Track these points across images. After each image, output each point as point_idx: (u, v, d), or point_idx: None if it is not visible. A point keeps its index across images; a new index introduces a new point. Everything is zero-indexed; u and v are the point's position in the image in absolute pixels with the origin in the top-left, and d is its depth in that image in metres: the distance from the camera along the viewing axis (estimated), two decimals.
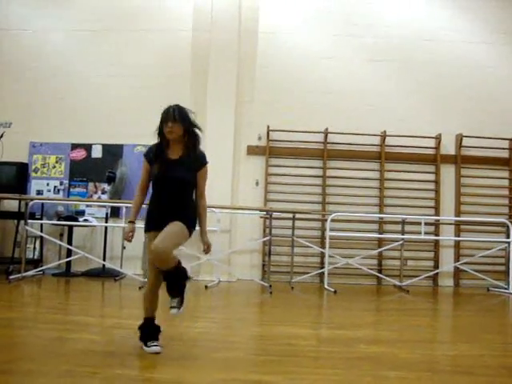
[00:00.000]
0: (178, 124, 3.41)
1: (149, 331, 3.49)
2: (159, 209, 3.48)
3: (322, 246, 7.83)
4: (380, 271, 8.07)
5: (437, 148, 8.30)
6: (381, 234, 8.15)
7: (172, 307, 3.34)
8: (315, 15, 8.47)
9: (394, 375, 3.20)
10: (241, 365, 3.34)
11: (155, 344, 3.42)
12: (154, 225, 3.46)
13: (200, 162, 3.52)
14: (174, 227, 3.37)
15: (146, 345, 3.44)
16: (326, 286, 7.05)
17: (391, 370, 3.30)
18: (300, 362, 3.43)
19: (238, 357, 3.51)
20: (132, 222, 3.58)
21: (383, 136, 8.21)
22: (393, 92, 8.39)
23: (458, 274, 8.14)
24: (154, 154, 3.50)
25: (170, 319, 4.90)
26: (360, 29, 8.43)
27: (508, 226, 7.47)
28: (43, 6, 8.63)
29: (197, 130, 3.53)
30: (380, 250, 7.99)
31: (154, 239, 3.31)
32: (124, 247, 7.79)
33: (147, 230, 3.53)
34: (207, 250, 3.63)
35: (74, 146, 8.32)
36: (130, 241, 3.57)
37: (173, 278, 3.36)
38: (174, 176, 3.43)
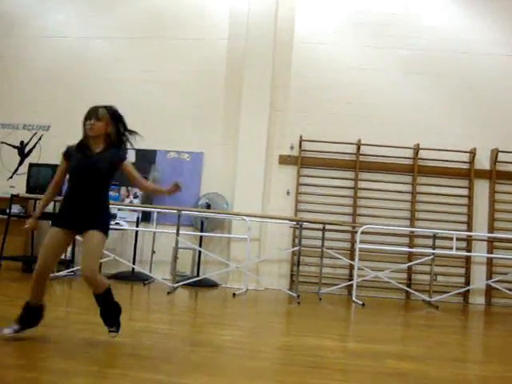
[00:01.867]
0: (100, 123, 3.61)
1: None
2: (72, 207, 3.53)
3: (352, 258, 7.77)
4: (409, 286, 7.96)
5: (471, 162, 8.16)
6: (411, 248, 8.05)
7: (111, 331, 3.60)
8: (351, 26, 8.46)
9: None
10: (267, 374, 3.34)
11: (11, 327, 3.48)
12: (64, 223, 3.53)
13: (119, 156, 3.63)
14: (93, 240, 3.46)
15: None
16: (354, 299, 7.00)
17: None
18: (327, 374, 3.40)
19: (264, 366, 3.51)
20: (37, 219, 3.68)
21: (416, 149, 8.12)
22: (427, 105, 8.30)
23: (489, 291, 7.97)
24: (75, 150, 3.62)
25: (199, 325, 4.95)
26: (395, 40, 8.38)
27: None
28: (82, 14, 8.86)
29: (126, 133, 3.75)
30: (410, 264, 7.88)
31: (56, 236, 3.48)
32: (154, 252, 7.89)
33: (54, 224, 3.57)
34: (174, 188, 3.64)
35: None
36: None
37: (105, 306, 3.54)
38: (91, 166, 3.51)
